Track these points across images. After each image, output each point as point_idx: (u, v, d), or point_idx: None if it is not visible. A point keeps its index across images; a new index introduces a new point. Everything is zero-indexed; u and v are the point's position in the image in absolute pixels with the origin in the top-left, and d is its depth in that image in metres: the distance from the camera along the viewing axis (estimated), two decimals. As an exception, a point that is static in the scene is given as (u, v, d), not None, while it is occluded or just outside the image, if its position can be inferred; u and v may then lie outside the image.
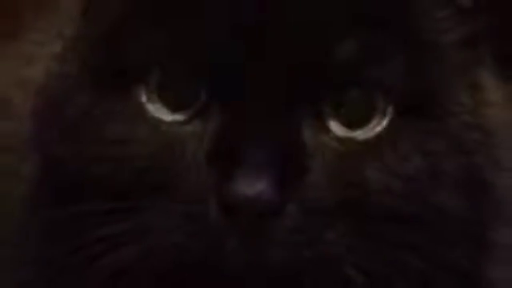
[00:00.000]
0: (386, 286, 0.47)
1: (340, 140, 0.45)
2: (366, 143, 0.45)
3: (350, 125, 0.45)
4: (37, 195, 0.50)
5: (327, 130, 0.45)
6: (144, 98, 0.45)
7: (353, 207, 0.45)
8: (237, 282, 0.45)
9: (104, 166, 0.46)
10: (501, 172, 0.51)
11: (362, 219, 0.45)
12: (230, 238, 0.43)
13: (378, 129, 0.45)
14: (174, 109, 0.45)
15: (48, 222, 0.49)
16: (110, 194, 0.45)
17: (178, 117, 0.45)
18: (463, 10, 0.48)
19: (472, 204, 0.48)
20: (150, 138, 0.45)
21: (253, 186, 0.42)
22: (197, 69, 0.44)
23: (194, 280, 0.46)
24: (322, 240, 0.44)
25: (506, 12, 0.54)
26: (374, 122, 0.45)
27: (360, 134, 0.45)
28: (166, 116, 0.45)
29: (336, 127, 0.44)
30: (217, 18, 0.45)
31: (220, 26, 0.44)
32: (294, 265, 0.44)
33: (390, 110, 0.45)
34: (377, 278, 0.46)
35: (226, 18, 0.44)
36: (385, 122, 0.45)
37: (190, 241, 0.44)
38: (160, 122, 0.45)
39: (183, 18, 0.45)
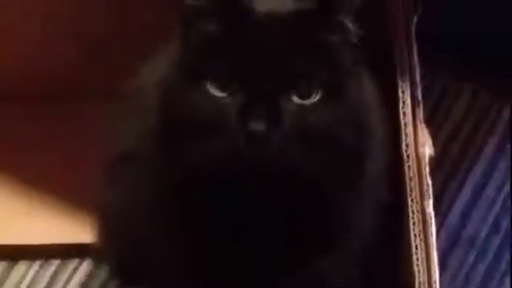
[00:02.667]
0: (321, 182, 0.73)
1: (297, 105, 0.71)
2: (310, 106, 0.71)
3: (302, 98, 0.71)
4: (159, 136, 0.76)
5: (291, 101, 0.70)
6: (208, 85, 0.71)
7: (303, 136, 0.71)
8: (250, 176, 0.71)
9: (191, 119, 0.72)
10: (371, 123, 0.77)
11: (308, 144, 0.71)
12: (247, 148, 0.69)
13: (315, 99, 0.71)
14: (222, 90, 0.71)
15: (165, 149, 0.75)
16: (194, 134, 0.72)
17: (223, 94, 0.71)
18: (353, 44, 0.74)
19: (356, 137, 0.74)
20: (210, 104, 0.71)
21: (257, 126, 0.68)
22: (233, 73, 0.70)
23: (230, 176, 0.72)
24: (289, 151, 0.70)
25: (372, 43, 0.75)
26: (313, 96, 0.71)
27: (307, 102, 0.71)
28: (218, 94, 0.71)
29: (296, 99, 0.71)
30: (238, 56, 0.70)
31: (240, 59, 0.71)
32: (277, 161, 0.70)
33: (320, 91, 0.71)
34: (314, 176, 0.73)
35: (244, 57, 0.70)
36: (318, 96, 0.71)
37: (228, 152, 0.70)
38: (215, 96, 0.71)
39: (226, 55, 0.71)
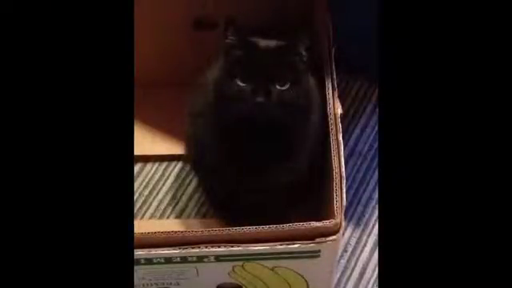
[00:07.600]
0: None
1: (278, 90, 1.03)
2: (284, 90, 1.03)
3: (281, 86, 1.03)
4: (214, 105, 1.08)
5: (276, 87, 1.02)
6: (237, 80, 1.04)
7: (281, 104, 1.02)
8: (257, 122, 1.03)
9: (229, 97, 1.04)
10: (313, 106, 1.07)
11: (283, 106, 1.03)
12: (256, 109, 1.02)
13: (287, 87, 1.04)
14: (243, 82, 1.03)
15: (217, 110, 1.07)
16: (231, 103, 1.04)
17: (244, 85, 1.04)
18: (304, 59, 1.06)
19: (306, 103, 1.08)
20: (237, 89, 1.02)
21: (260, 99, 1.02)
22: (248, 74, 1.02)
23: (244, 126, 1.05)
24: (274, 110, 1.02)
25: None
26: (286, 85, 1.04)
27: (283, 88, 1.04)
28: (241, 84, 1.03)
29: (278, 86, 1.03)
30: (251, 66, 1.03)
31: (252, 67, 1.03)
32: (269, 114, 1.03)
33: (288, 82, 1.03)
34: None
35: (253, 67, 1.03)
36: (288, 85, 1.04)
37: (247, 111, 1.03)
38: (240, 86, 1.03)
39: (245, 65, 1.03)
